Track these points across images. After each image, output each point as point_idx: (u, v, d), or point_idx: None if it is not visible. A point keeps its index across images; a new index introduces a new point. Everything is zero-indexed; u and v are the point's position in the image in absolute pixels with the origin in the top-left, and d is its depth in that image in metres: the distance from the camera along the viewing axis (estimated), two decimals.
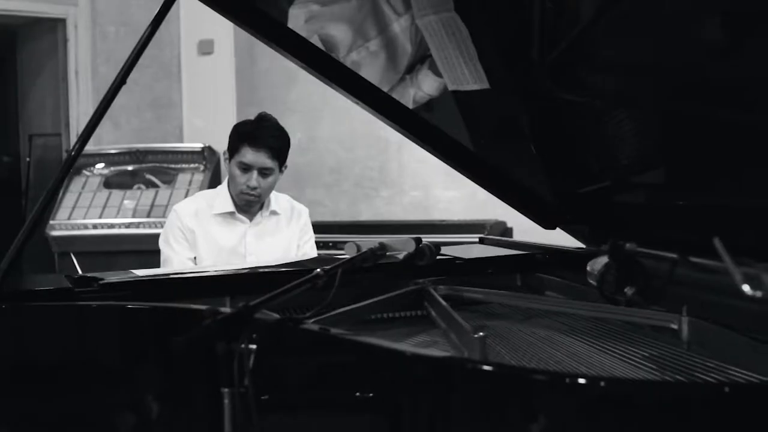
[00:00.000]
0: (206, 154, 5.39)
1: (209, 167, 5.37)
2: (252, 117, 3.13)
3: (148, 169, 5.35)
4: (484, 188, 2.56)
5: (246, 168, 3.01)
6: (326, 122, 5.45)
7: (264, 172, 3.01)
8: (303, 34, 2.65)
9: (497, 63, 2.49)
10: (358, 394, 1.50)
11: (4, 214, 5.93)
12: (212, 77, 5.80)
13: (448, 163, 2.56)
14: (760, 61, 1.77)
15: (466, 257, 2.56)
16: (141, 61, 6.07)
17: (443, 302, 2.12)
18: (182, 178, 5.30)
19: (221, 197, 3.14)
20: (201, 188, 5.23)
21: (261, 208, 3.16)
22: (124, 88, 5.76)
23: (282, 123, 3.08)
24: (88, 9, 5.52)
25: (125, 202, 5.18)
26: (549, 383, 1.33)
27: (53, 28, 5.61)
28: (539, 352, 1.85)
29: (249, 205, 3.09)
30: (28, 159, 5.52)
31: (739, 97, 1.93)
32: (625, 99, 2.28)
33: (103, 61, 5.71)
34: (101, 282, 2.19)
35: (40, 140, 5.55)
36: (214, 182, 5.34)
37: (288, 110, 5.39)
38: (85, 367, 1.99)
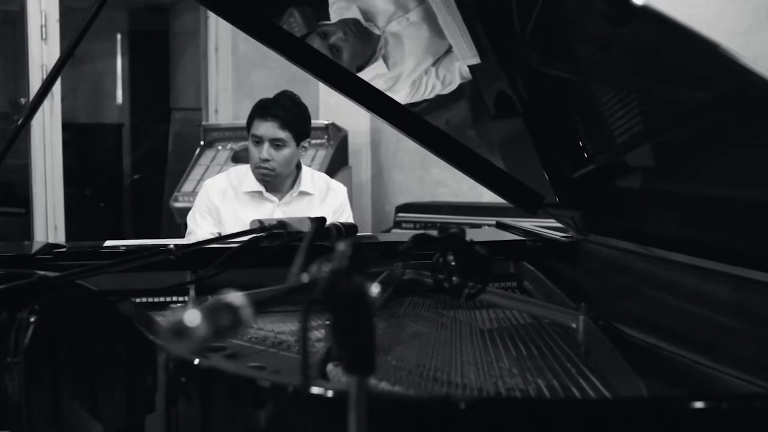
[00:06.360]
0: (330, 131, 5.38)
1: (333, 144, 5.36)
2: None
3: None
4: (462, 171, 2.41)
5: (258, 140, 2.98)
6: None
7: (276, 144, 2.97)
8: (343, 5, 2.61)
9: (487, 36, 2.34)
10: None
11: (152, 181, 6.22)
12: None
13: (428, 149, 2.43)
14: None
15: None
16: None
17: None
18: (307, 154, 5.32)
19: (251, 175, 3.13)
20: (324, 164, 5.24)
21: (291, 187, 3.12)
22: (261, 65, 5.88)
23: None
24: None
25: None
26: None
27: (197, 5, 5.79)
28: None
29: (264, 180, 3.05)
30: (167, 131, 5.73)
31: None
32: (605, 74, 2.07)
33: (243, 39, 5.83)
34: (56, 250, 2.23)
35: (179, 114, 5.75)
36: (336, 159, 5.35)
37: None
38: None
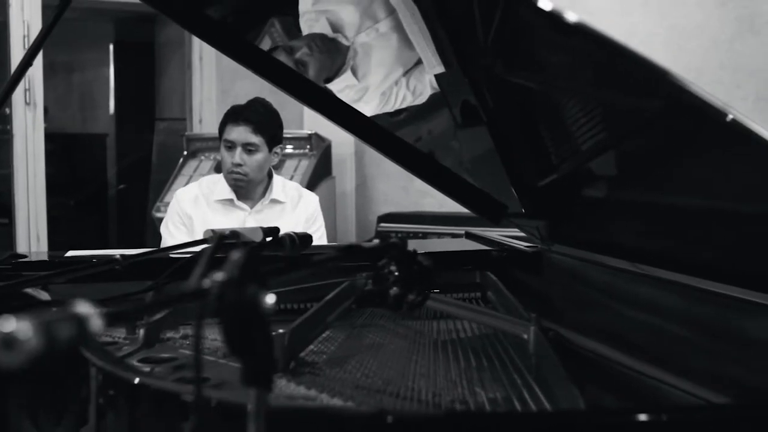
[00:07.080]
0: (314, 141, 5.35)
1: (316, 154, 5.33)
2: None
3: None
4: (424, 180, 2.39)
5: (230, 146, 2.97)
6: None
7: (248, 149, 2.96)
8: (312, 17, 2.61)
9: (450, 44, 2.32)
10: None
11: (136, 191, 6.20)
12: None
13: (392, 160, 2.42)
14: None
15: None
16: None
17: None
18: (289, 164, 5.30)
19: (222, 183, 3.11)
20: (307, 174, 5.21)
21: (263, 195, 3.10)
22: (245, 76, 5.86)
23: None
24: None
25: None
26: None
27: None
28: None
29: (237, 185, 3.04)
30: (152, 141, 5.72)
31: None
32: (563, 84, 2.05)
33: None
34: (15, 261, 2.21)
35: (163, 124, 5.74)
36: (320, 169, 5.32)
37: None
38: None
